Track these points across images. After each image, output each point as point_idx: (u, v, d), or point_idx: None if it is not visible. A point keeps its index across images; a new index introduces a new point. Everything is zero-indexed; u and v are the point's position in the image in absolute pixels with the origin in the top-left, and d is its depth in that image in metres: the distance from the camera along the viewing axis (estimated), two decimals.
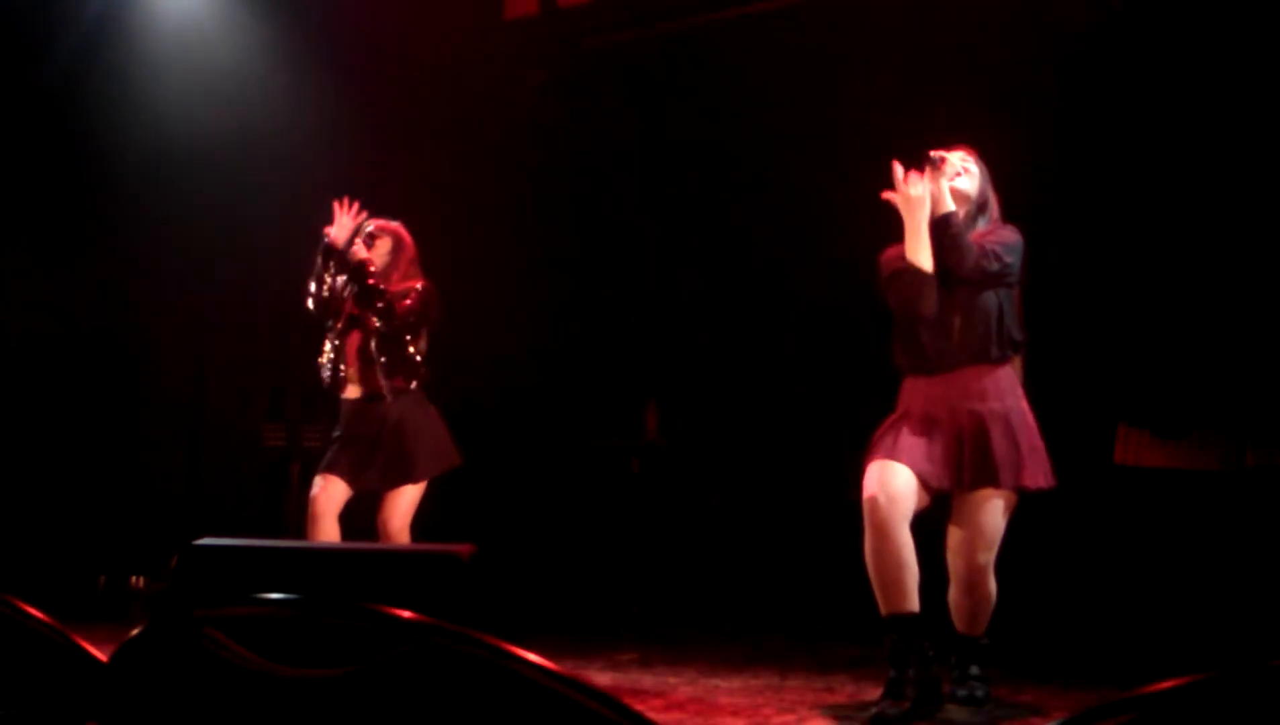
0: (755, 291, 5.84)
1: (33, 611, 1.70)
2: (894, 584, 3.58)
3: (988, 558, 3.73)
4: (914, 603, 3.60)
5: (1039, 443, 3.76)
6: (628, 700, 1.17)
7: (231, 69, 7.29)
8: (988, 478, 3.66)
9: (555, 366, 6.30)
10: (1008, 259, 3.74)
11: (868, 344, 4.30)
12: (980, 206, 3.87)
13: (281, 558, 1.92)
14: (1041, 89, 5.16)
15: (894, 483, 3.63)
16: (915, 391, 3.82)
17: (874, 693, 4.01)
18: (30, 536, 7.28)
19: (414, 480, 4.83)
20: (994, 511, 3.71)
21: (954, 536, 3.78)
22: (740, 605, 5.50)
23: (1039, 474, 3.72)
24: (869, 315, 4.72)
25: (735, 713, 3.75)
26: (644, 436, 5.82)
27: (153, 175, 7.40)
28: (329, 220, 5.13)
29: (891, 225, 3.87)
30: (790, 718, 3.69)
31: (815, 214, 5.58)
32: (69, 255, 7.65)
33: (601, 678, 4.41)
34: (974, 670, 3.83)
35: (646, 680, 4.38)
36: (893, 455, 3.67)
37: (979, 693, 3.78)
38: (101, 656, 1.58)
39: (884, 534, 3.57)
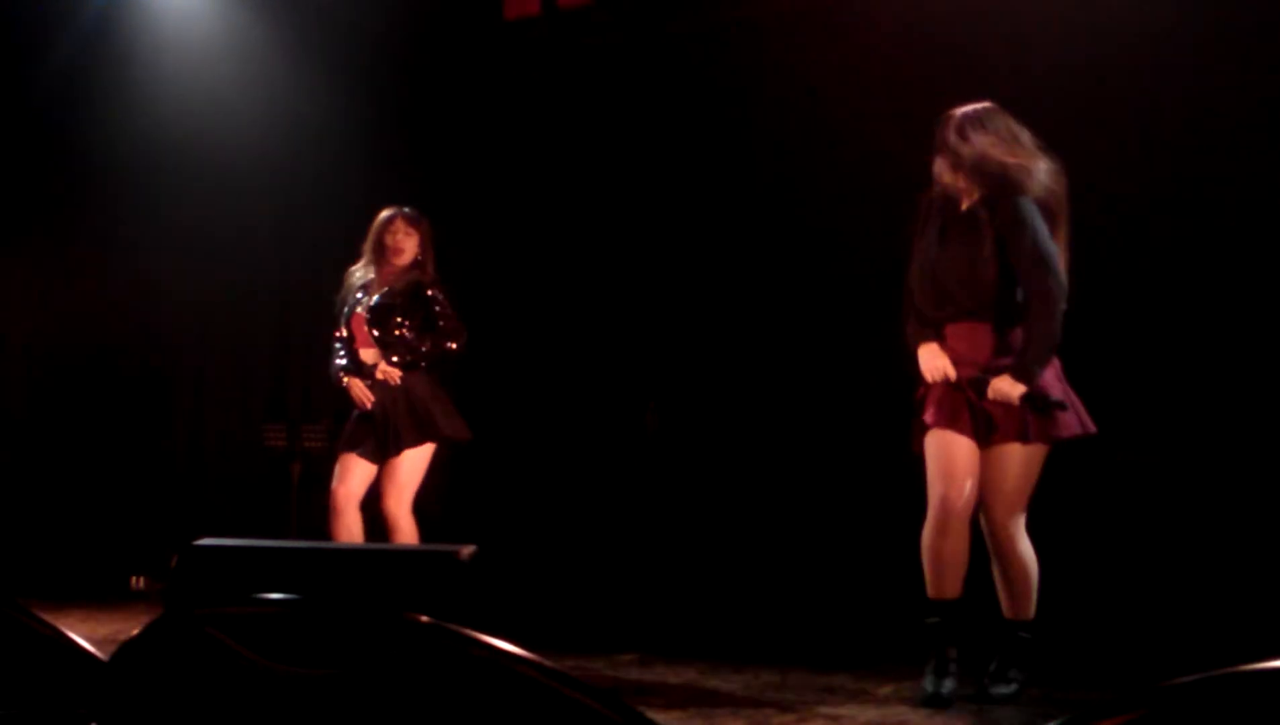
0: (758, 291, 5.84)
1: (33, 611, 1.70)
2: (948, 571, 3.79)
3: (1015, 512, 3.79)
4: (959, 588, 3.82)
5: (1063, 393, 3.83)
6: (628, 700, 1.18)
7: (231, 69, 7.29)
8: (998, 435, 3.76)
9: (554, 367, 6.29)
10: (1057, 266, 3.84)
11: (873, 345, 4.30)
12: (975, 169, 3.87)
13: (281, 558, 1.93)
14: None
15: (965, 484, 3.77)
16: (950, 342, 3.89)
17: (874, 692, 4.03)
18: (31, 536, 7.28)
19: (414, 443, 4.94)
20: (1012, 466, 3.78)
21: (983, 490, 3.82)
22: (741, 605, 5.50)
23: (1059, 425, 3.79)
24: (874, 316, 4.73)
25: (735, 713, 3.75)
26: (644, 437, 5.82)
27: (153, 175, 7.40)
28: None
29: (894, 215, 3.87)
30: (790, 718, 3.69)
31: (819, 215, 5.58)
32: (68, 255, 7.65)
33: (601, 678, 4.41)
34: (1012, 672, 3.86)
35: (646, 680, 4.38)
36: (947, 422, 3.79)
37: (1002, 689, 3.81)
38: (101, 656, 1.57)
39: (946, 531, 3.77)
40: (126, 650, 1.42)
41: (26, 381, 7.68)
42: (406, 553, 2.17)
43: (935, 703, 3.71)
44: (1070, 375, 5.03)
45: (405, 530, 4.93)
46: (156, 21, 7.48)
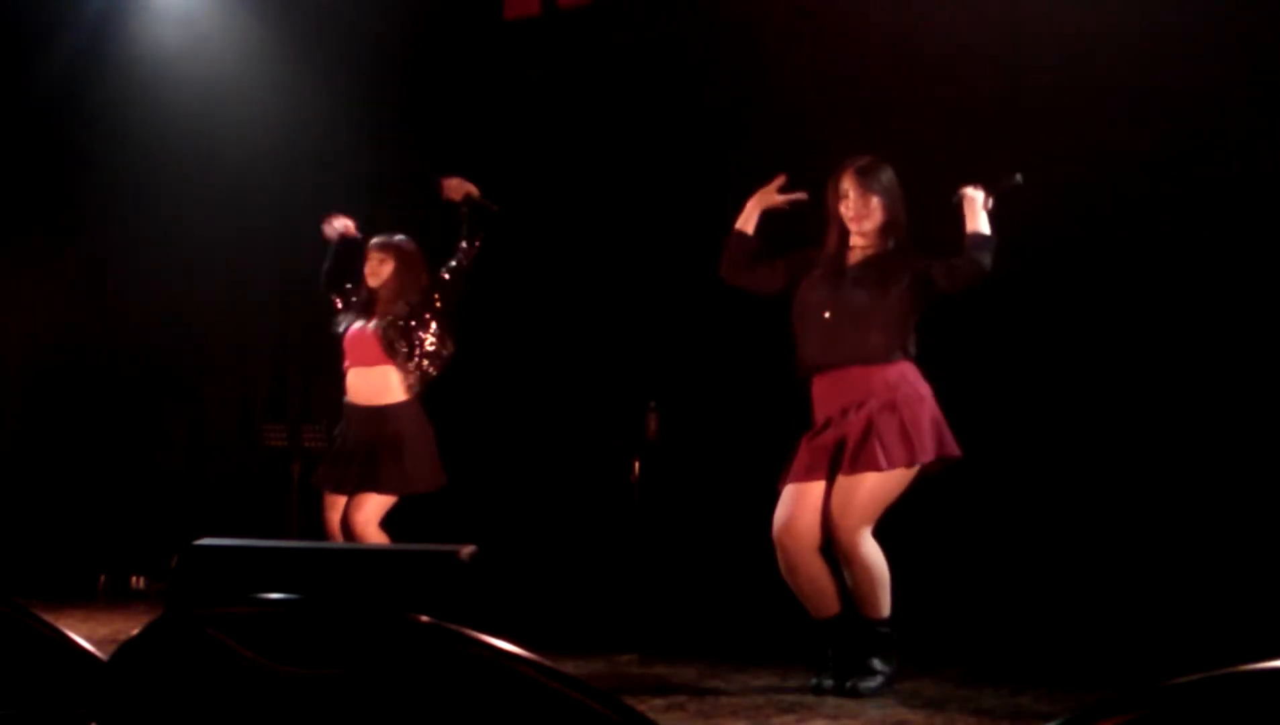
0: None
1: (33, 611, 1.70)
2: (812, 598, 4.06)
3: (857, 523, 3.95)
4: (834, 607, 4.06)
5: (927, 420, 3.98)
6: (628, 700, 1.18)
7: (231, 69, 7.29)
8: (868, 463, 3.92)
9: (555, 368, 6.29)
10: None
11: None
12: (891, 224, 4.14)
13: (281, 558, 1.92)
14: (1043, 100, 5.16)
15: (799, 521, 4.02)
16: (818, 391, 4.13)
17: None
18: (31, 536, 7.28)
19: (379, 491, 4.94)
20: (871, 485, 3.94)
21: (830, 507, 4.01)
22: (741, 605, 5.50)
23: (926, 449, 3.95)
24: None
25: (735, 713, 3.75)
26: (644, 439, 5.82)
27: (152, 175, 7.40)
28: (325, 220, 5.23)
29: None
30: (790, 718, 3.69)
31: (819, 215, 5.58)
32: (68, 255, 7.65)
33: (601, 678, 4.41)
34: (875, 663, 3.99)
35: (646, 680, 4.39)
36: (800, 476, 4.05)
37: (863, 685, 3.94)
38: (101, 656, 1.57)
39: (793, 569, 4.05)
40: (126, 650, 1.42)
41: (26, 381, 7.68)
42: (406, 553, 2.17)
43: (816, 691, 4.01)
44: (1073, 376, 5.05)
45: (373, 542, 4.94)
46: (157, 21, 7.48)
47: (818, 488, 4.03)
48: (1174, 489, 4.77)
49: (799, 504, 4.04)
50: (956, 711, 3.76)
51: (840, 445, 4.00)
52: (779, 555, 4.08)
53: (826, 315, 4.08)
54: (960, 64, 5.27)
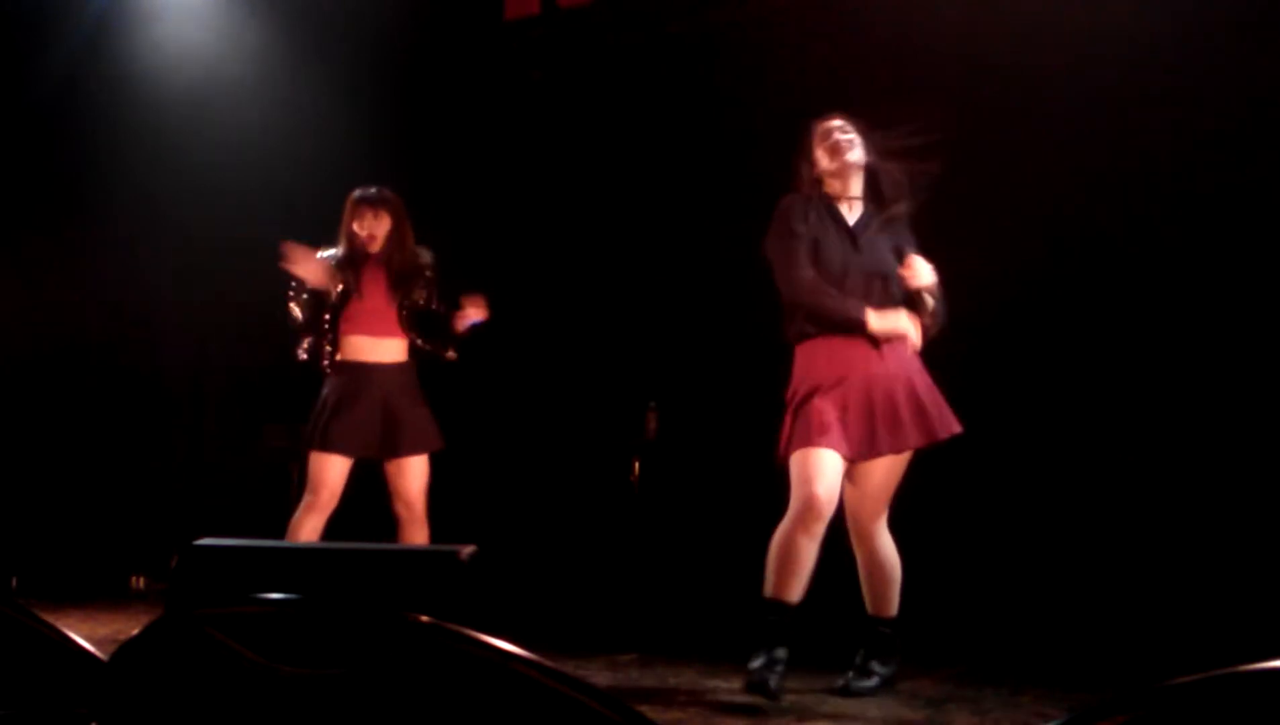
0: (758, 292, 5.83)
1: (33, 611, 1.70)
2: (794, 573, 3.75)
3: (876, 512, 3.93)
4: (796, 595, 3.77)
5: (937, 394, 3.94)
6: (628, 700, 1.18)
7: (230, 69, 7.30)
8: (898, 444, 3.83)
9: (554, 368, 6.29)
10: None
11: None
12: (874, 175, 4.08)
13: (281, 558, 1.92)
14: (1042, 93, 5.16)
15: (830, 482, 3.75)
16: (820, 355, 3.92)
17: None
18: (31, 536, 7.28)
19: (438, 446, 4.82)
20: (886, 466, 3.89)
21: (852, 497, 3.94)
22: (741, 605, 5.50)
23: (947, 424, 3.89)
24: None
25: (735, 713, 3.75)
26: (644, 439, 5.82)
27: (152, 174, 7.40)
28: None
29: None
30: (790, 718, 3.69)
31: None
32: (69, 255, 7.65)
33: (601, 678, 4.41)
34: (874, 665, 3.97)
35: (646, 680, 4.39)
36: (825, 442, 3.78)
37: (858, 685, 3.92)
38: (101, 656, 1.57)
39: (810, 536, 3.73)
40: (126, 650, 1.42)
41: (26, 381, 7.68)
42: (406, 553, 2.17)
43: (763, 693, 3.73)
44: (1073, 376, 5.05)
45: (424, 531, 4.84)
46: (156, 22, 7.48)
47: (837, 457, 3.78)
48: (1175, 489, 4.77)
49: (830, 468, 3.76)
50: (956, 711, 3.76)
51: (862, 424, 3.83)
52: (803, 513, 3.73)
53: (861, 269, 3.97)
54: (965, 63, 5.27)
